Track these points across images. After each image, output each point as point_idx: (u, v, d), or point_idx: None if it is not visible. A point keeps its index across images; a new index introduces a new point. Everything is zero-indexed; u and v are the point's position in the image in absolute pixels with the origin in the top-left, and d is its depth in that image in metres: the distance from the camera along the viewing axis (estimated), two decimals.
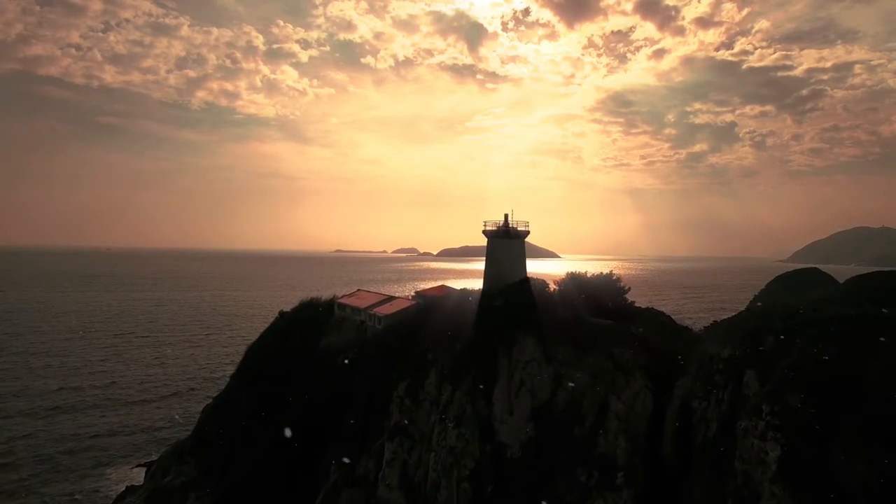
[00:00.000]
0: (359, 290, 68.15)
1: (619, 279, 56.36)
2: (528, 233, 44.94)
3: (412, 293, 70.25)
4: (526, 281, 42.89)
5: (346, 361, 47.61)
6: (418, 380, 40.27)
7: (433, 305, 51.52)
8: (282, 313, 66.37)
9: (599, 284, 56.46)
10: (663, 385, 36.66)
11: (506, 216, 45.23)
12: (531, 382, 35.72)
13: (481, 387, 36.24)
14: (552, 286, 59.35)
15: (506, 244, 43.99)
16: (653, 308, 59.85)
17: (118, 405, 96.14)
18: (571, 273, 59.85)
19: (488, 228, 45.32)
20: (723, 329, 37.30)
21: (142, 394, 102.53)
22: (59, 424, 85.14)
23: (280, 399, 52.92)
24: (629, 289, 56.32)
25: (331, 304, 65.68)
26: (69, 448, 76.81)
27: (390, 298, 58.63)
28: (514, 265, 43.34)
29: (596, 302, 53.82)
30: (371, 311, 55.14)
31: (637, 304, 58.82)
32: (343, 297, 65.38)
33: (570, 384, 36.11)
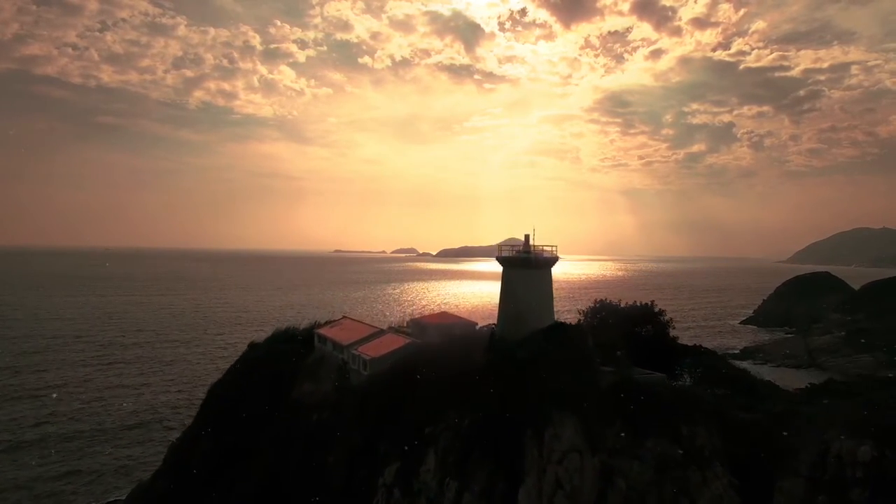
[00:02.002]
0: (344, 317, 57.44)
1: (660, 310, 45.80)
2: (556, 259, 34.31)
3: (408, 319, 59.69)
4: (558, 329, 32.15)
5: (320, 423, 36.92)
6: (411, 464, 29.64)
7: (432, 346, 40.98)
8: (252, 346, 55.68)
9: (637, 316, 45.97)
10: (749, 478, 26.23)
11: (527, 237, 34.53)
12: (571, 482, 25.10)
13: (500, 486, 25.59)
14: (580, 316, 48.93)
15: (527, 276, 33.25)
16: (701, 346, 49.28)
17: (92, 434, 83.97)
18: (601, 300, 49.31)
19: (503, 254, 34.59)
20: (843, 406, 26.56)
21: (121, 419, 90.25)
22: (18, 465, 74.04)
23: (241, 462, 42.30)
24: (672, 322, 45.80)
25: (310, 334, 55.15)
26: (23, 497, 66.12)
27: (379, 333, 47.91)
28: (538, 304, 32.63)
29: (632, 337, 43.42)
30: (355, 351, 44.50)
31: (680, 339, 48.35)
32: (324, 326, 54.77)
33: (625, 483, 25.54)
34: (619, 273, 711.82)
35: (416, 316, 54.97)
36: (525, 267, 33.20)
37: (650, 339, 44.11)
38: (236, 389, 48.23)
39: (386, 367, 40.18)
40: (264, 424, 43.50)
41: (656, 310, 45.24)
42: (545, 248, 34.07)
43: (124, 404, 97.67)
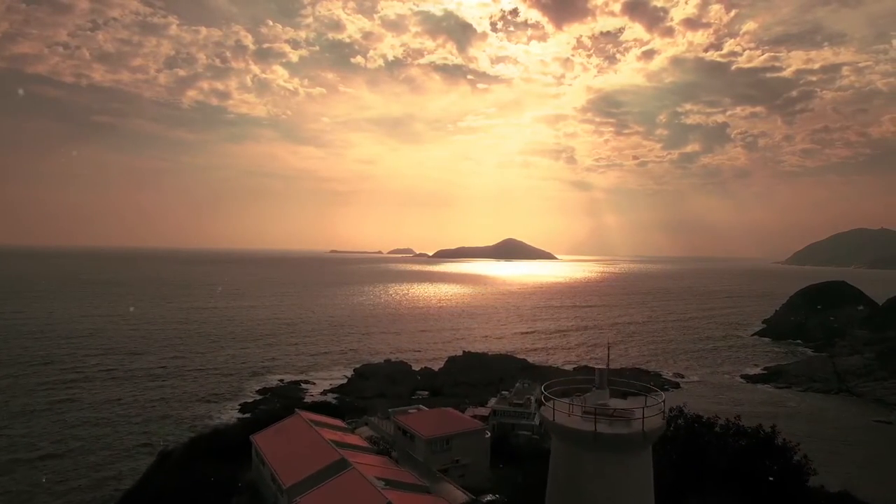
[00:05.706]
0: (297, 411, 39.87)
1: (788, 442, 28.83)
2: (662, 429, 17.20)
3: (393, 412, 42.54)
4: None
5: None
6: None
7: None
8: (163, 458, 38.52)
9: (749, 447, 28.99)
10: None
11: (600, 375, 17.44)
12: None
13: None
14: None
15: (607, 465, 16.06)
16: (849, 492, 32.29)
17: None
18: (680, 409, 32.16)
19: (556, 419, 17.33)
20: None
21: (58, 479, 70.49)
22: None
23: None
24: (806, 460, 28.78)
25: (247, 442, 38.00)
26: None
27: (341, 464, 30.60)
28: None
29: (742, 480, 26.75)
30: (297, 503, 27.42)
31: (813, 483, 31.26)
32: (265, 430, 37.45)
33: None
34: (619, 275, 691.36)
35: (404, 415, 37.98)
36: (604, 449, 16.03)
37: (771, 482, 27.29)
38: None
39: None
40: None
41: (780, 441, 28.24)
42: (650, 399, 16.73)
43: (76, 463, 76.09)
